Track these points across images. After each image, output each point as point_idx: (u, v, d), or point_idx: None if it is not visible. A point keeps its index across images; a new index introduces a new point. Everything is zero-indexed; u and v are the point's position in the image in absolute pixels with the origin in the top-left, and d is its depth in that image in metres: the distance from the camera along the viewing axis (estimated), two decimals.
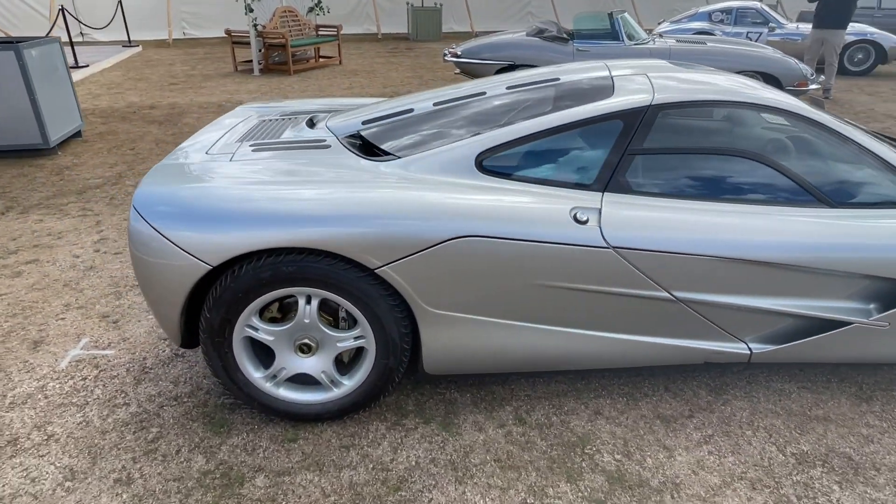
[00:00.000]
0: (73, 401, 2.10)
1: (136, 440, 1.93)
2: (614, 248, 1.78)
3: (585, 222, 1.78)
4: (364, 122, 2.26)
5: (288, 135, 2.26)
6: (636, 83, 2.08)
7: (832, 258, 1.84)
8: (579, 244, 1.76)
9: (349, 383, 1.93)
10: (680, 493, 1.73)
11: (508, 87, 2.23)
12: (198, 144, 2.18)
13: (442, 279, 1.76)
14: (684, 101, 1.97)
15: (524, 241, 1.74)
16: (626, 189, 1.88)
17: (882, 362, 2.05)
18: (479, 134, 1.95)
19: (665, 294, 1.85)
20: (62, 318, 2.61)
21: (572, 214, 1.79)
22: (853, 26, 9.29)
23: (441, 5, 13.68)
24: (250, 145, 2.12)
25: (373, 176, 1.87)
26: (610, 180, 1.89)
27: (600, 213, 1.81)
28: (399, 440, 1.94)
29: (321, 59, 10.21)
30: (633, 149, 1.91)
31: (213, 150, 2.11)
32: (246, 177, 1.85)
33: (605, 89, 2.07)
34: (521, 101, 2.14)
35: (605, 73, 2.22)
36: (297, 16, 9.82)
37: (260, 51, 9.16)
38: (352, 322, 1.89)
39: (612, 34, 6.27)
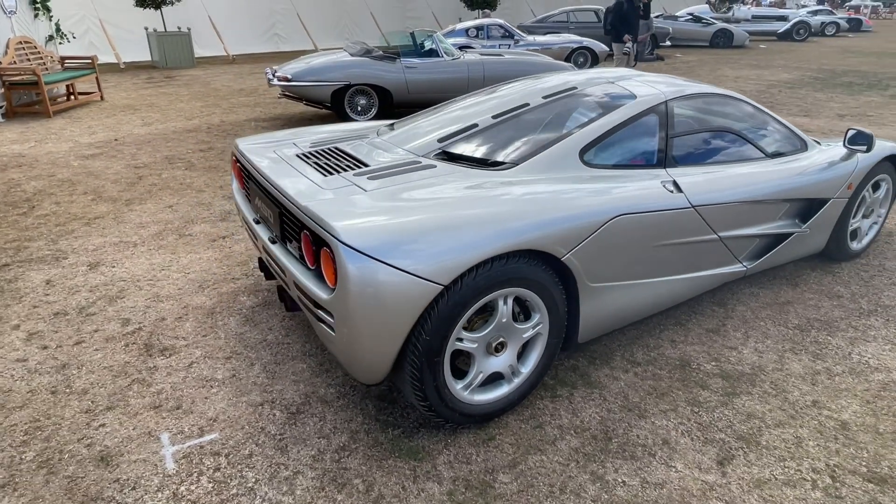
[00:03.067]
0: (232, 493, 1.83)
1: (352, 498, 1.81)
2: (694, 207, 2.36)
3: (673, 192, 2.32)
4: (440, 141, 2.41)
5: (378, 161, 2.28)
6: (641, 86, 2.69)
7: (779, 191, 2.72)
8: (677, 208, 2.30)
9: (525, 370, 2.13)
10: (763, 368, 2.41)
11: (544, 97, 2.63)
12: (300, 185, 2.06)
13: (600, 256, 2.11)
14: (684, 94, 2.65)
15: (651, 212, 2.21)
16: (674, 163, 2.48)
17: (805, 256, 3.07)
18: (568, 135, 2.32)
19: (714, 236, 2.51)
20: (102, 426, 2.11)
21: (663, 187, 2.31)
22: (569, 37, 11.76)
23: (189, 30, 12.69)
24: (367, 177, 2.11)
25: (513, 183, 2.10)
26: (665, 159, 2.46)
27: (675, 183, 2.36)
28: (569, 406, 2.21)
29: (81, 96, 8.68)
30: (670, 133, 2.51)
31: (329, 184, 2.04)
32: (419, 200, 1.91)
33: (623, 93, 2.62)
34: (564, 106, 2.56)
35: (606, 80, 2.78)
36: (35, 47, 8.17)
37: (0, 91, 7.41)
38: (525, 313, 2.09)
39: (434, 52, 6.94)
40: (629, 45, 8.67)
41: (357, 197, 1.93)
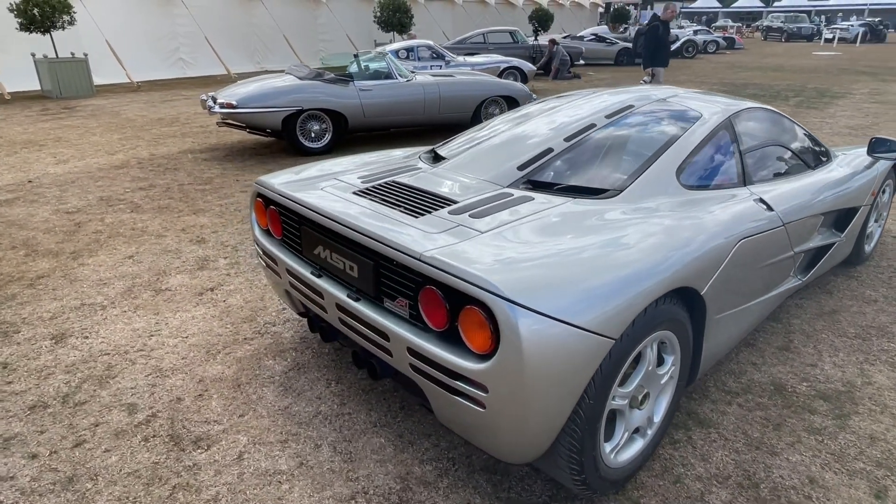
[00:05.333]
0: None
1: None
2: (784, 224, 2.28)
3: (765, 210, 2.22)
4: (520, 168, 2.16)
5: (460, 195, 1.98)
6: (695, 102, 2.60)
7: (830, 202, 2.73)
8: (775, 226, 2.20)
9: (658, 419, 1.91)
10: (853, 384, 2.35)
11: (607, 116, 2.46)
12: (400, 229, 1.73)
13: (726, 285, 1.95)
14: (739, 109, 2.59)
15: (762, 233, 2.09)
16: (751, 181, 2.39)
17: (839, 261, 3.12)
18: (657, 156, 2.15)
19: (791, 252, 2.44)
20: None
21: (757, 205, 2.20)
22: (497, 57, 11.92)
23: (86, 55, 11.48)
24: (468, 214, 1.81)
25: (631, 214, 1.89)
26: (745, 176, 2.37)
27: (763, 200, 2.27)
28: (694, 452, 2.01)
29: None
30: (742, 150, 2.43)
31: (431, 226, 1.72)
32: (553, 240, 1.64)
33: (685, 111, 2.51)
34: (633, 126, 2.40)
35: (657, 98, 2.66)
36: None
37: None
38: (659, 358, 1.88)
39: (388, 74, 6.65)
40: (646, 78, 8.19)
41: (480, 241, 1.63)
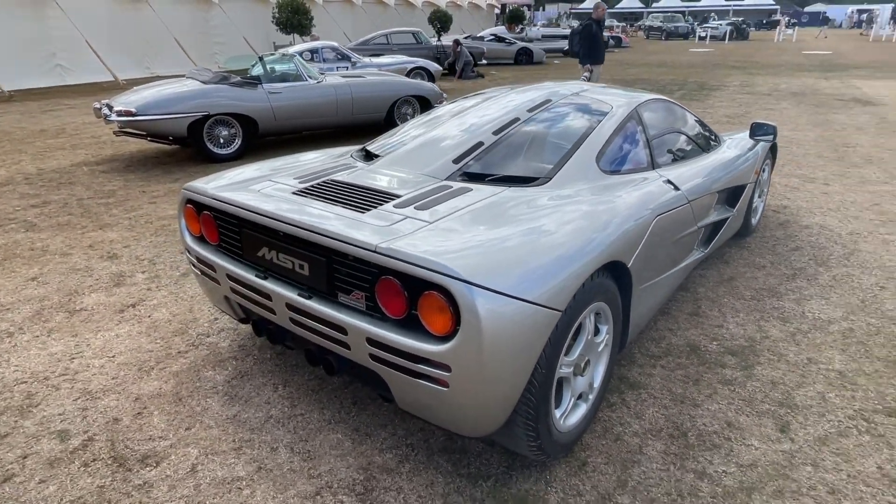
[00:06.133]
0: None
1: None
2: (689, 201, 2.54)
3: (673, 189, 2.47)
4: (455, 162, 2.26)
5: (401, 189, 2.05)
6: (604, 96, 2.82)
7: (723, 181, 3.07)
8: (682, 203, 2.46)
9: (598, 384, 2.08)
10: (754, 339, 2.68)
11: (529, 111, 2.61)
12: (350, 224, 1.77)
13: (647, 258, 2.16)
14: (643, 100, 2.84)
15: (673, 210, 2.33)
16: (658, 164, 2.65)
17: (732, 234, 3.50)
18: (578, 145, 2.33)
19: (695, 226, 2.73)
20: None
21: (666, 185, 2.44)
22: (403, 58, 12.01)
23: None
24: (413, 207, 1.88)
25: (561, 198, 2.05)
26: (652, 160, 2.61)
27: (670, 181, 2.52)
28: (629, 411, 2.21)
29: None
30: (648, 137, 2.67)
31: (380, 220, 1.78)
32: (497, 226, 1.76)
33: (596, 103, 2.72)
34: (553, 119, 2.58)
35: (571, 92, 2.86)
36: None
37: None
38: (595, 329, 2.04)
39: (298, 76, 6.53)
40: (586, 74, 8.39)
41: (429, 231, 1.71)
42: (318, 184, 2.17)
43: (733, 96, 10.83)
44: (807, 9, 63.82)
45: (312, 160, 2.60)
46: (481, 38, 19.64)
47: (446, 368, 1.55)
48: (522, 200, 1.97)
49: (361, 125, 7.25)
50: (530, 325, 1.56)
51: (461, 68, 15.11)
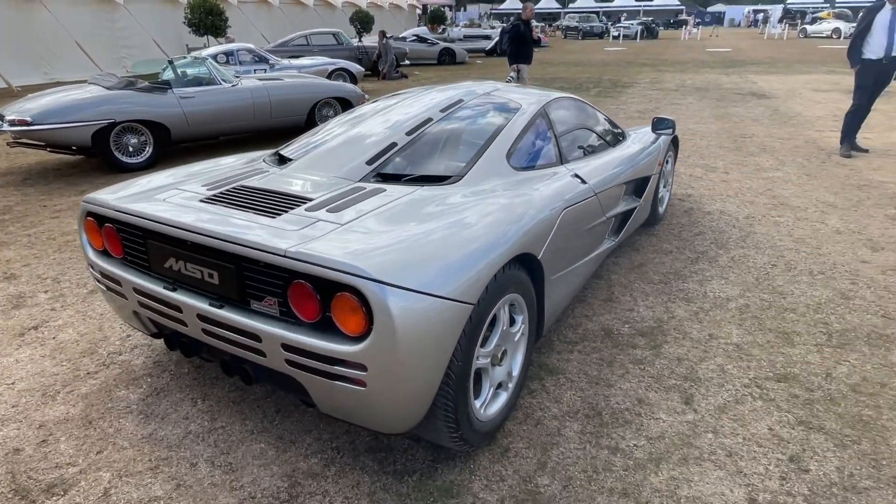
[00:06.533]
0: None
1: None
2: (596, 194, 2.68)
3: (580, 183, 2.59)
4: (369, 163, 2.27)
5: (315, 192, 2.04)
6: (514, 95, 2.92)
7: (628, 173, 3.26)
8: (589, 196, 2.58)
9: (516, 373, 2.16)
10: (661, 319, 2.87)
11: (441, 111, 2.66)
12: (258, 231, 1.74)
13: (557, 249, 2.26)
14: (551, 99, 2.96)
15: (579, 202, 2.44)
16: (567, 160, 2.77)
17: (641, 223, 3.71)
18: (488, 143, 2.41)
19: (604, 217, 2.87)
20: None
21: (574, 179, 2.56)
22: (323, 59, 11.84)
23: None
24: (325, 209, 1.88)
25: (475, 193, 2.11)
26: (561, 156, 2.73)
27: (577, 175, 2.64)
28: (549, 396, 2.31)
29: None
30: (556, 134, 2.79)
31: (291, 224, 1.77)
32: (410, 224, 1.79)
33: (507, 102, 2.81)
34: (465, 118, 2.64)
35: (483, 92, 2.93)
36: None
37: None
38: (510, 319, 2.12)
39: (211, 80, 6.29)
40: (513, 74, 8.35)
41: (341, 233, 1.72)
42: (228, 190, 2.12)
43: (644, 92, 11.42)
44: (709, 9, 68.11)
45: (222, 166, 2.54)
46: (403, 39, 19.66)
47: (362, 368, 1.57)
48: (434, 199, 2.02)
49: (282, 129, 7.09)
50: (444, 320, 1.60)
51: (385, 69, 15.07)
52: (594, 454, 2.01)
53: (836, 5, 47.22)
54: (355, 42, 16.28)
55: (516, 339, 2.11)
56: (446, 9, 37.71)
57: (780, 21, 39.62)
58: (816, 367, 2.49)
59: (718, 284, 3.26)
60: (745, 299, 3.09)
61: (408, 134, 2.46)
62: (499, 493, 1.85)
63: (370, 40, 17.08)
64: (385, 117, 2.68)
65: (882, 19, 5.63)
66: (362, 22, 21.36)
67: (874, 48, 5.68)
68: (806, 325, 2.82)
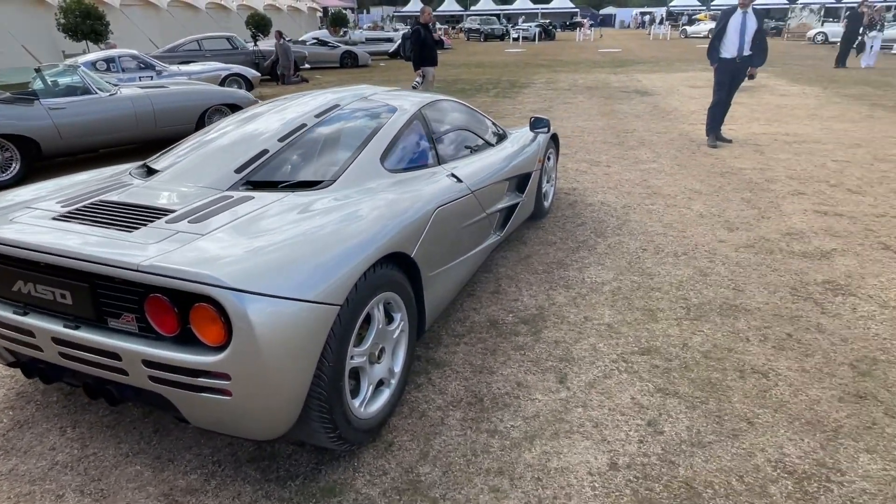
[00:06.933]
0: None
1: None
2: (473, 192, 2.80)
3: (456, 182, 2.70)
4: (238, 171, 2.25)
5: (178, 204, 2.00)
6: (392, 98, 2.99)
7: (508, 171, 3.43)
8: (465, 194, 2.70)
9: (398, 369, 2.22)
10: (543, 307, 3.05)
11: (316, 116, 2.68)
12: (112, 246, 1.69)
13: (432, 246, 2.34)
14: (428, 102, 3.06)
15: (454, 201, 2.54)
16: (444, 160, 2.87)
17: (525, 220, 3.90)
18: (362, 147, 2.46)
19: (484, 213, 3.01)
20: None
21: (450, 179, 2.67)
22: (216, 64, 11.39)
23: None
24: (187, 221, 1.85)
25: (345, 197, 2.15)
26: (438, 157, 2.83)
27: (454, 175, 2.75)
28: (434, 389, 2.40)
29: None
30: (433, 135, 2.89)
31: (149, 238, 1.73)
32: (274, 230, 1.80)
33: (383, 106, 2.87)
34: (340, 122, 2.67)
35: (361, 96, 2.97)
36: None
37: None
38: (388, 317, 2.17)
39: (85, 89, 5.88)
40: (419, 79, 8.17)
41: (202, 242, 1.71)
42: (85, 206, 2.03)
43: (539, 92, 11.93)
44: (601, 11, 72.06)
45: (82, 181, 2.42)
46: (303, 42, 19.28)
47: (225, 377, 1.56)
48: (303, 204, 2.04)
49: (170, 138, 6.76)
50: (308, 323, 1.63)
51: (282, 72, 14.71)
52: (474, 438, 2.11)
53: (712, 7, 51.51)
54: (251, 46, 15.77)
55: (395, 336, 2.17)
56: (348, 11, 37.35)
57: (660, 23, 42.65)
58: (675, 338, 2.75)
59: (596, 270, 3.50)
60: (618, 282, 3.34)
61: (280, 140, 2.46)
62: (381, 486, 1.91)
63: (267, 44, 16.61)
64: (258, 124, 2.66)
65: (734, 22, 6.25)
66: (259, 25, 20.73)
67: (729, 48, 6.30)
68: (669, 301, 3.10)
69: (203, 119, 6.93)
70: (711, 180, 5.33)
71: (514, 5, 62.83)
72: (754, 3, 6.24)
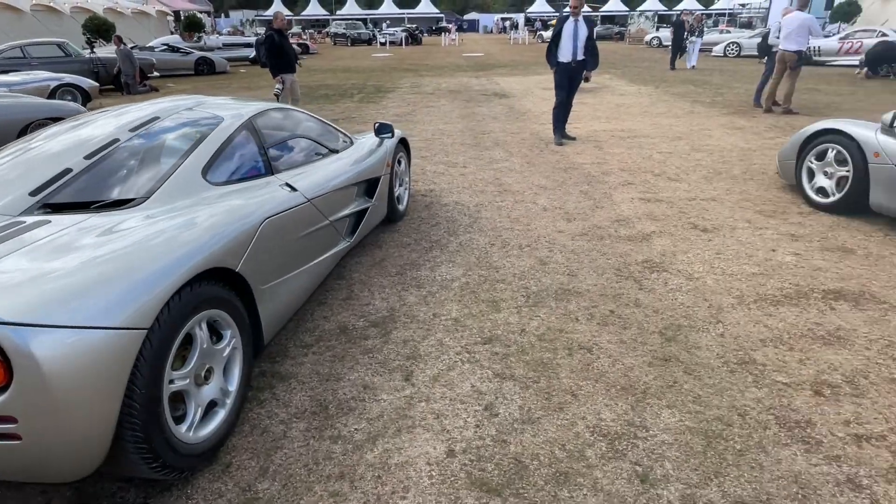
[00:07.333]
0: None
1: None
2: (309, 200, 2.79)
3: (290, 192, 2.68)
4: (33, 194, 2.05)
5: None
6: (218, 109, 2.88)
7: (352, 177, 3.46)
8: (300, 204, 2.68)
9: (233, 388, 2.16)
10: (394, 308, 3.12)
11: (131, 130, 2.51)
12: None
13: (262, 259, 2.30)
14: (259, 111, 2.99)
15: (285, 211, 2.51)
16: (278, 169, 2.83)
17: (378, 223, 3.95)
18: (182, 160, 2.35)
19: (326, 221, 3.01)
20: None
21: (282, 189, 2.64)
22: (44, 74, 10.24)
23: None
24: None
25: (155, 215, 2.05)
26: (270, 166, 2.78)
27: (288, 184, 2.73)
28: (278, 403, 2.37)
29: None
30: (265, 145, 2.83)
31: None
32: (72, 256, 1.68)
33: (208, 117, 2.77)
34: (158, 136, 2.53)
35: (184, 107, 2.84)
36: None
37: None
38: (217, 335, 2.10)
39: None
40: (279, 86, 7.88)
41: None
42: None
43: (404, 97, 12.10)
44: (466, 16, 74.55)
45: None
46: (151, 49, 17.92)
47: (11, 420, 1.43)
48: (107, 225, 1.92)
49: None
50: (109, 351, 1.54)
51: (126, 81, 13.56)
52: (317, 447, 2.12)
53: (564, 14, 55.35)
54: (88, 53, 14.35)
55: (225, 354, 2.11)
56: (204, 15, 35.24)
57: (515, 28, 45.14)
58: (514, 325, 2.94)
59: (447, 268, 3.64)
60: (467, 277, 3.50)
61: (87, 157, 2.29)
62: None
63: (108, 51, 15.22)
64: (65, 140, 2.46)
65: (568, 29, 6.79)
66: (98, 30, 18.93)
67: (564, 53, 6.83)
68: (511, 291, 3.31)
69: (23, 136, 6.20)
70: (556, 175, 5.76)
71: (380, 10, 63.06)
72: (585, 11, 6.82)
